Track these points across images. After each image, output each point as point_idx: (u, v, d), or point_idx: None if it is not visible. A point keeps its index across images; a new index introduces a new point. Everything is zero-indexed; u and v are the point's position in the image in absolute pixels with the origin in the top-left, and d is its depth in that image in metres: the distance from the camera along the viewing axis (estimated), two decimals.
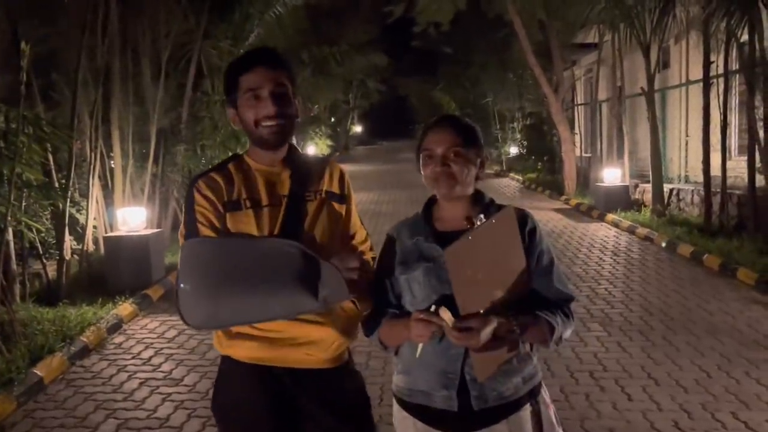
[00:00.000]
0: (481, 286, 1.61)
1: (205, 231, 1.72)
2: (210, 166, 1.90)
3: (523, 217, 1.76)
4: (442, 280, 1.68)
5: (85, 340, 5.00)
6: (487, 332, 1.55)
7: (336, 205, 1.86)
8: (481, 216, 1.67)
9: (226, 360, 1.82)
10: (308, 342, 1.77)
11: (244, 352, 1.77)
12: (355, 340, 1.88)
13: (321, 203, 1.83)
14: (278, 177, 1.81)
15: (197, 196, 1.75)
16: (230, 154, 1.93)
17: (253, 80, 1.75)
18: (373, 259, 2.01)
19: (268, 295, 1.65)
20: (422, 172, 1.77)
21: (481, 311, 1.59)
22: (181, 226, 1.79)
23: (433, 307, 1.57)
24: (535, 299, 1.73)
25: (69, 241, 6.38)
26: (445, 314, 1.54)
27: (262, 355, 1.76)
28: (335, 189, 1.88)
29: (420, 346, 1.65)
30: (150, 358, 4.86)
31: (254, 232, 1.73)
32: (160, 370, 4.62)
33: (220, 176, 1.79)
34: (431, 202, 1.84)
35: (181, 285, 1.69)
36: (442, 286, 1.68)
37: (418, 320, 1.59)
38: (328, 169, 1.89)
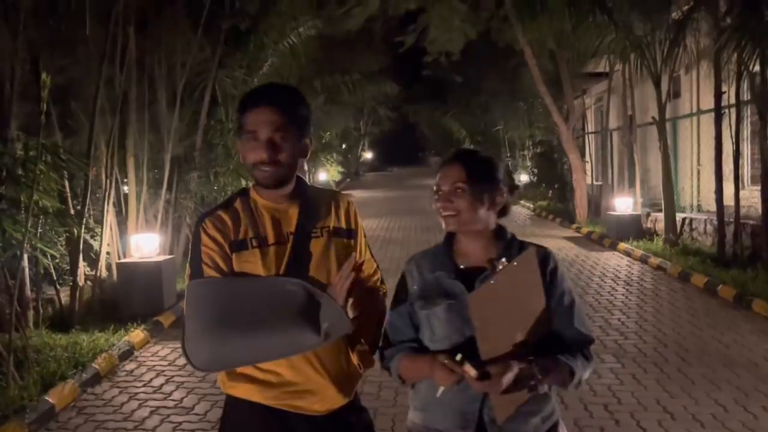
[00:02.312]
0: (502, 329, 1.60)
1: (210, 272, 1.71)
2: (218, 202, 1.87)
3: (544, 256, 1.74)
4: (464, 318, 1.67)
5: (96, 367, 5.01)
6: (508, 378, 1.54)
7: (343, 241, 1.84)
8: (503, 259, 1.66)
9: (232, 398, 1.80)
10: (306, 390, 1.75)
11: (245, 393, 1.76)
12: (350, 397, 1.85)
13: (327, 240, 1.80)
14: (285, 214, 1.79)
15: (204, 237, 1.73)
16: (243, 181, 1.92)
17: (252, 121, 1.70)
18: (385, 294, 1.99)
19: (272, 334, 1.64)
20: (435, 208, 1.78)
21: (503, 355, 1.58)
22: (188, 264, 1.78)
23: (458, 356, 1.56)
24: (556, 340, 1.71)
25: (83, 268, 6.43)
26: (470, 370, 1.53)
27: (261, 398, 1.74)
28: (342, 224, 1.85)
29: (441, 387, 1.64)
30: (161, 386, 4.86)
31: (260, 271, 1.71)
32: (170, 398, 4.61)
33: (227, 215, 1.76)
34: (452, 235, 1.82)
35: (187, 326, 1.68)
36: (463, 325, 1.68)
37: (442, 365, 1.58)
38: (335, 204, 1.86)
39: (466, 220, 1.72)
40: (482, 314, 1.58)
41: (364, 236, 1.95)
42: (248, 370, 1.73)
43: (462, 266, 1.76)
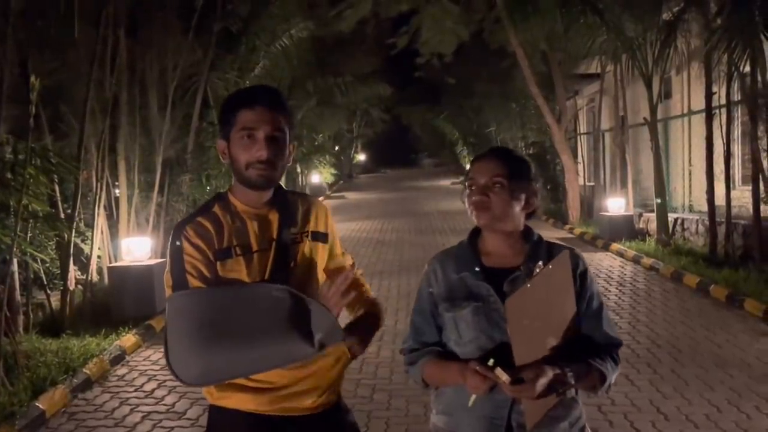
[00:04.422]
0: (536, 334, 1.57)
1: (195, 282, 1.65)
2: (194, 210, 1.80)
3: (575, 259, 1.71)
4: (491, 321, 1.64)
5: (87, 372, 4.97)
6: (542, 383, 1.50)
7: (321, 245, 1.84)
8: (540, 263, 1.63)
9: (217, 408, 1.76)
10: (299, 392, 1.73)
11: (236, 403, 1.72)
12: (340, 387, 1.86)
13: (309, 245, 1.80)
14: (266, 219, 1.76)
15: (186, 245, 1.67)
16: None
17: (251, 119, 1.67)
18: (362, 275, 1.99)
19: (263, 345, 1.60)
20: (465, 203, 1.72)
21: (535, 361, 1.55)
22: (167, 274, 1.70)
23: (491, 361, 1.52)
24: (585, 343, 1.68)
25: (73, 272, 6.38)
26: (502, 375, 1.49)
27: (254, 406, 1.72)
28: (321, 228, 1.86)
29: (473, 396, 1.59)
30: (152, 390, 4.82)
31: (245, 278, 1.69)
32: (162, 403, 4.58)
33: (208, 221, 1.71)
34: (476, 234, 1.77)
35: (171, 340, 1.63)
36: (491, 328, 1.64)
37: (474, 372, 1.54)
38: (311, 208, 1.86)
39: (500, 215, 1.66)
40: (518, 319, 1.54)
41: (337, 237, 1.95)
42: (239, 379, 1.69)
43: (488, 267, 1.71)
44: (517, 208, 1.69)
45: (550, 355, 1.58)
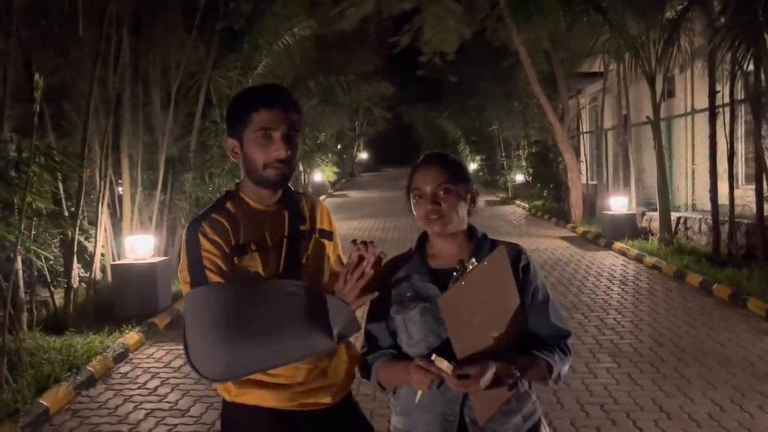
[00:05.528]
0: (477, 329, 1.60)
1: (214, 278, 1.65)
2: (206, 207, 1.81)
3: (516, 253, 1.75)
4: (439, 320, 1.66)
5: (91, 369, 4.98)
6: (486, 378, 1.53)
7: (327, 242, 1.88)
8: (473, 259, 1.65)
9: (236, 406, 1.76)
10: (317, 389, 1.75)
11: (255, 399, 1.73)
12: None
13: (317, 242, 1.84)
14: (277, 216, 1.79)
15: (203, 241, 1.68)
16: (237, 181, 1.89)
17: (268, 119, 1.68)
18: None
19: (284, 338, 1.62)
20: (414, 212, 1.76)
21: (479, 355, 1.57)
22: (184, 272, 1.69)
23: (433, 355, 1.55)
24: (533, 336, 1.71)
25: (77, 269, 6.40)
26: (442, 364, 1.52)
27: (274, 402, 1.73)
28: (326, 226, 1.89)
29: (419, 391, 1.62)
30: (156, 388, 4.83)
31: (261, 274, 1.71)
32: (166, 400, 4.59)
33: (222, 218, 1.72)
34: (424, 238, 1.82)
35: (191, 337, 1.62)
36: (439, 327, 1.67)
37: (417, 367, 1.57)
38: (314, 206, 1.90)
39: (451, 220, 1.71)
40: (455, 315, 1.57)
41: (338, 236, 1.99)
42: (257, 375, 1.70)
43: (435, 268, 1.76)
44: (464, 209, 1.75)
45: (495, 348, 1.60)
